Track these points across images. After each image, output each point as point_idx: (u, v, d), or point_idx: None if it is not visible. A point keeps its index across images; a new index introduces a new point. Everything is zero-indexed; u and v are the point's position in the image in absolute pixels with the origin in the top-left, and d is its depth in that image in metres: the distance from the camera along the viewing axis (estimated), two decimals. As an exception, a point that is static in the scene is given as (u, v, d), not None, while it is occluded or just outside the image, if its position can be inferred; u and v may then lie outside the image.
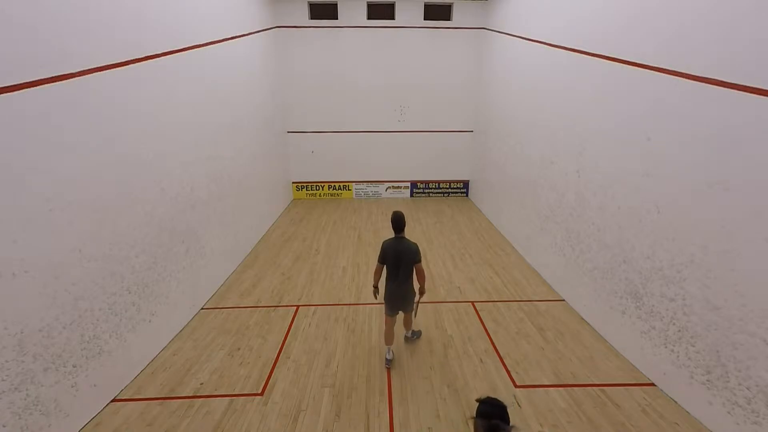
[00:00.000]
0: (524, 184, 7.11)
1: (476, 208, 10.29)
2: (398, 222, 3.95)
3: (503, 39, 8.28)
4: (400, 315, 4.34)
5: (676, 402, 3.68)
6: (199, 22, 5.50)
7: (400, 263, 3.93)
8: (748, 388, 3.04)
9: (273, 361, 4.29)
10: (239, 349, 4.51)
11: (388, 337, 4.23)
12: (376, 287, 4.23)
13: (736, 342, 3.11)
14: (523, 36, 7.19)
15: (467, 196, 11.31)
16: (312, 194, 11.15)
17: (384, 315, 4.31)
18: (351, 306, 5.46)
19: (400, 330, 4.88)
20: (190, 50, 5.16)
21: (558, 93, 5.82)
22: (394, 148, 10.76)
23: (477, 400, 1.81)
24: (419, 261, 3.96)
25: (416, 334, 4.69)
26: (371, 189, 11.18)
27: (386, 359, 4.21)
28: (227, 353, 4.44)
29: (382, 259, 4.04)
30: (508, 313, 5.27)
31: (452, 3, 9.60)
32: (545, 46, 6.20)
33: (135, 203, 4.06)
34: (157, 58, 4.41)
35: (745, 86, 2.98)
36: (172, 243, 4.73)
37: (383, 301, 4.23)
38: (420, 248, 3.97)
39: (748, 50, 2.98)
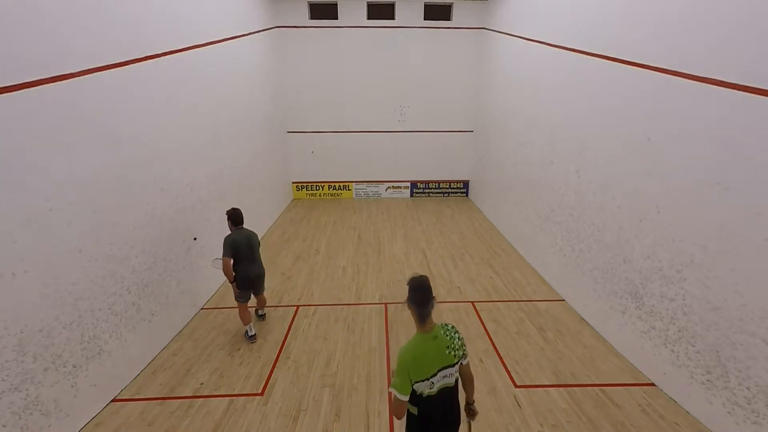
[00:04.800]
0: (524, 184, 7.11)
1: (476, 208, 10.29)
2: (239, 215, 4.48)
3: (503, 39, 8.28)
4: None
5: (676, 402, 3.68)
6: (199, 22, 5.50)
7: (252, 247, 4.49)
8: (748, 388, 3.04)
9: (273, 361, 4.29)
10: (239, 349, 4.51)
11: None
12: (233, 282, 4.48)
13: (736, 342, 3.11)
14: (523, 36, 7.19)
15: (467, 196, 11.31)
16: (312, 194, 11.15)
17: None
18: (351, 306, 5.46)
19: (402, 328, 4.89)
20: (190, 50, 5.16)
21: (558, 93, 5.82)
22: (394, 148, 10.76)
23: (408, 283, 2.17)
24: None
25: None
26: (371, 189, 11.18)
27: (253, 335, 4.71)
28: (227, 353, 4.44)
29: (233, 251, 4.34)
30: (508, 313, 5.27)
31: (452, 3, 9.60)
32: (545, 46, 6.20)
33: (135, 203, 4.06)
34: (157, 58, 4.41)
35: (745, 86, 2.98)
36: (172, 243, 4.72)
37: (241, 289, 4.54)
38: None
39: (748, 50, 2.98)
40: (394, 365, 4.17)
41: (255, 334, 4.66)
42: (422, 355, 2.10)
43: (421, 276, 2.17)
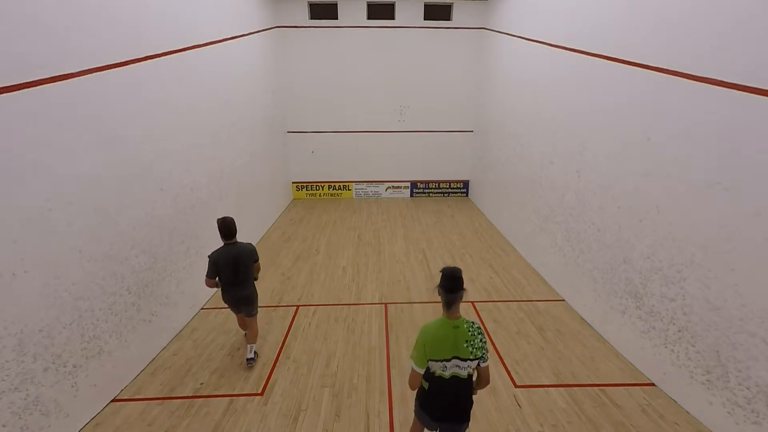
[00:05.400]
0: (524, 184, 7.11)
1: (476, 208, 10.29)
2: (229, 228, 3.88)
3: (503, 39, 8.28)
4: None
5: (676, 402, 3.68)
6: (199, 23, 5.50)
7: (238, 267, 3.90)
8: (748, 388, 3.04)
9: (273, 361, 4.29)
10: (239, 349, 4.51)
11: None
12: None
13: (736, 342, 3.11)
14: (523, 36, 7.19)
15: (467, 196, 11.31)
16: (312, 194, 11.15)
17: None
18: (351, 306, 5.46)
19: (402, 328, 4.88)
20: (190, 50, 5.16)
21: (558, 93, 5.82)
22: (394, 148, 10.76)
23: (441, 271, 2.29)
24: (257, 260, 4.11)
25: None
26: (371, 189, 11.18)
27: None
28: (227, 353, 4.44)
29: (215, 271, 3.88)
30: (508, 313, 5.27)
31: (452, 3, 9.60)
32: (545, 46, 6.20)
33: (135, 203, 4.06)
34: (157, 58, 4.41)
35: (745, 86, 2.98)
36: (172, 243, 4.72)
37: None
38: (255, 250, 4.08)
39: (748, 50, 2.98)
40: (394, 364, 4.21)
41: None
42: (440, 338, 2.26)
43: (455, 267, 2.30)
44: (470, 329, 2.28)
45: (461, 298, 2.25)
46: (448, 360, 2.26)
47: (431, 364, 2.29)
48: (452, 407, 2.41)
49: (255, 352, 4.25)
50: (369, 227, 8.79)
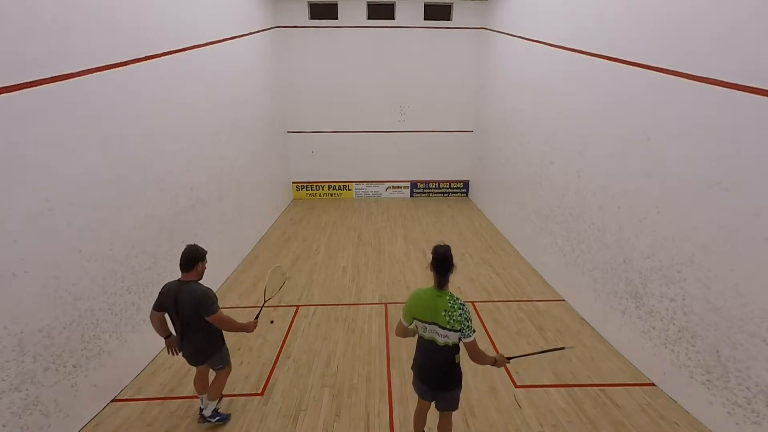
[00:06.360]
0: (524, 184, 7.11)
1: (476, 208, 10.29)
2: (183, 258, 2.97)
3: (503, 39, 8.28)
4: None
5: (676, 402, 3.68)
6: (200, 23, 5.50)
7: (179, 313, 2.96)
8: (748, 388, 3.04)
9: (273, 361, 4.29)
10: (239, 349, 4.50)
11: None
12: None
13: (736, 342, 3.11)
14: (523, 36, 7.19)
15: (467, 196, 11.31)
16: (312, 194, 11.15)
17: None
18: (351, 306, 5.46)
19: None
20: (191, 50, 5.16)
21: (558, 93, 5.82)
22: (394, 148, 10.76)
23: (432, 252, 2.49)
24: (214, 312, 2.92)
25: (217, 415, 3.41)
26: (371, 189, 11.18)
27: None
28: (227, 353, 4.44)
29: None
30: (508, 313, 5.27)
31: (452, 3, 9.60)
32: (545, 46, 6.20)
33: (135, 203, 4.06)
34: (158, 58, 4.41)
35: (745, 86, 2.98)
36: (172, 243, 4.72)
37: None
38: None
39: (748, 50, 2.98)
40: (394, 364, 4.21)
41: (206, 416, 3.32)
42: (423, 300, 2.51)
43: (444, 247, 2.47)
44: (451, 301, 2.43)
45: (452, 273, 2.46)
46: (429, 323, 2.49)
47: (416, 323, 2.56)
48: (429, 370, 2.63)
49: (216, 411, 3.34)
50: (369, 227, 8.79)
